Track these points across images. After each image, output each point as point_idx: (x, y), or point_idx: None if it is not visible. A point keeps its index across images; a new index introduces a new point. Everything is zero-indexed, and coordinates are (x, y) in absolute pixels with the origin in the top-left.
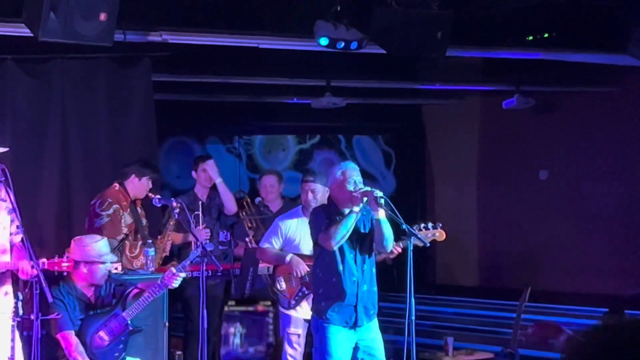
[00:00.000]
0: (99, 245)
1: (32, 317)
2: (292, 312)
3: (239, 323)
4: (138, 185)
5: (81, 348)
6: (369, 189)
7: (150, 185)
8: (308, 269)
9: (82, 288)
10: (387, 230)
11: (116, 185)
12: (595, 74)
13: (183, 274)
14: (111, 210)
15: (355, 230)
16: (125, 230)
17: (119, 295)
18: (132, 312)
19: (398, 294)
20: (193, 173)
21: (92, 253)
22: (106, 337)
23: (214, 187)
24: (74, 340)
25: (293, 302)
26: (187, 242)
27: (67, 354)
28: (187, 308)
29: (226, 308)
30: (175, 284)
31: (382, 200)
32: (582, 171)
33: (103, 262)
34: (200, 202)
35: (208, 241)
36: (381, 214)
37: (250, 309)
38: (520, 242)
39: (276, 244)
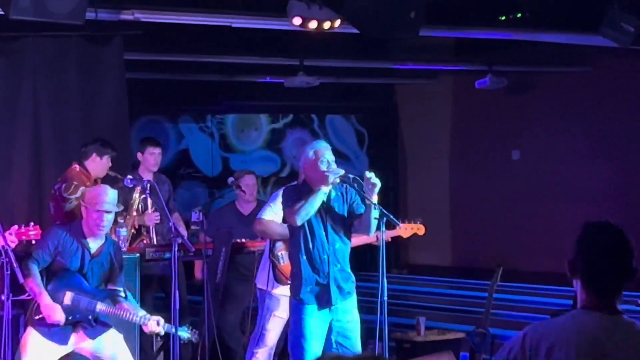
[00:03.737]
0: (102, 191)
1: (3, 297)
2: (287, 290)
3: None
4: (99, 165)
5: (38, 282)
6: (343, 172)
7: (110, 164)
8: None
9: (86, 234)
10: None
11: (76, 167)
12: (567, 55)
13: (162, 333)
14: (79, 193)
15: (329, 208)
16: None
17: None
18: (107, 311)
19: (370, 273)
20: (139, 154)
21: (93, 199)
22: (69, 301)
23: (159, 172)
24: (35, 273)
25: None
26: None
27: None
28: (167, 287)
29: None
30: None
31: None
32: (555, 151)
33: (105, 210)
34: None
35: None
36: (375, 199)
37: None
38: (493, 222)
39: (279, 216)
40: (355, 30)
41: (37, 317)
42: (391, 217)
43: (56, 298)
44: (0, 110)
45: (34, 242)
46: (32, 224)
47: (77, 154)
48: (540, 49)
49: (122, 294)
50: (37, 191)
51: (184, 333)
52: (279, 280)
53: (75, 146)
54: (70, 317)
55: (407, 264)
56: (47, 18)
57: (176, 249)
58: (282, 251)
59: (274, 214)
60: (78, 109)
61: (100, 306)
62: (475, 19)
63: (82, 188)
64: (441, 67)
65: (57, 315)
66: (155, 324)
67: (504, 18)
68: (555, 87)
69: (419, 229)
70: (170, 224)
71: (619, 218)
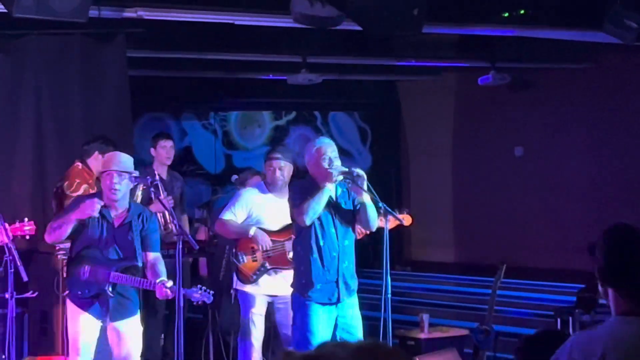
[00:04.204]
0: (114, 155)
1: (7, 295)
2: (254, 289)
3: None
4: (101, 162)
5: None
6: (346, 169)
7: None
8: (271, 244)
9: (107, 205)
10: (372, 212)
11: (79, 165)
12: (570, 51)
13: (171, 297)
14: (81, 191)
15: (336, 205)
16: None
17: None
18: (120, 279)
19: (374, 270)
20: (152, 150)
21: (105, 163)
22: (87, 274)
23: (173, 168)
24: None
25: (254, 277)
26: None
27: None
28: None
29: None
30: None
31: (365, 183)
32: (558, 147)
33: (115, 170)
34: (158, 178)
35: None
36: (365, 197)
37: None
38: (496, 219)
39: (239, 216)
40: (358, 27)
41: (65, 294)
42: (395, 213)
43: (76, 274)
44: (3, 108)
45: (28, 237)
46: (26, 219)
47: (80, 152)
48: (543, 45)
49: (140, 263)
50: (40, 189)
51: (196, 293)
52: (242, 280)
53: (78, 144)
54: (87, 291)
55: (410, 261)
56: (50, 16)
57: (180, 246)
58: (241, 251)
59: (232, 215)
60: (81, 106)
61: (115, 276)
62: (478, 15)
63: (84, 186)
64: (444, 63)
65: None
66: (164, 290)
67: (507, 14)
68: (558, 84)
69: (405, 219)
70: (175, 221)
71: (624, 215)
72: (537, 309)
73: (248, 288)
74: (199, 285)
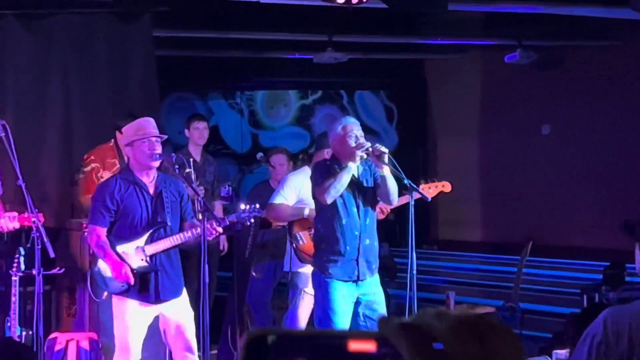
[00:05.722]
0: (143, 120)
1: (34, 272)
2: (307, 268)
3: None
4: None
5: (104, 243)
6: (369, 144)
7: None
8: None
9: (137, 174)
10: (392, 186)
11: (111, 141)
12: (597, 28)
13: (220, 229)
14: (88, 168)
15: (358, 184)
16: None
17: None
18: (155, 247)
19: (401, 249)
20: (186, 131)
21: (138, 131)
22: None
23: (207, 150)
24: (99, 234)
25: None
26: None
27: (90, 245)
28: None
29: None
30: (210, 235)
31: (386, 157)
32: (585, 125)
33: (155, 136)
34: (192, 160)
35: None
36: (386, 170)
37: None
38: (523, 197)
39: (290, 198)
40: (384, 5)
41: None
42: (420, 190)
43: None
44: (30, 88)
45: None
46: (36, 210)
47: (107, 132)
48: (570, 22)
49: (169, 222)
50: (67, 169)
51: (243, 214)
52: (302, 260)
53: (105, 124)
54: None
55: (437, 240)
56: None
57: (206, 224)
58: (299, 232)
59: (283, 198)
60: (107, 86)
61: (149, 250)
62: None
63: (93, 164)
64: (470, 42)
65: (126, 273)
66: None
67: None
68: (585, 61)
69: (445, 186)
70: (200, 198)
71: None
72: (563, 287)
73: (304, 269)
74: (240, 208)
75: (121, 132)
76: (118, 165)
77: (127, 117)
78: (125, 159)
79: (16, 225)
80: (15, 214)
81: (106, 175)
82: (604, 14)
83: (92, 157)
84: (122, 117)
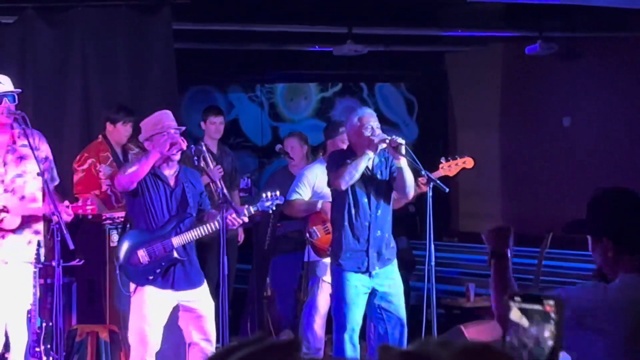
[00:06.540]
0: (161, 114)
1: (53, 264)
2: (328, 260)
3: None
4: (115, 133)
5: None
6: (386, 136)
7: (130, 130)
8: None
9: (158, 167)
10: (409, 178)
11: (99, 137)
12: (619, 19)
13: (246, 218)
14: (86, 165)
15: (372, 176)
16: (107, 182)
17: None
18: (182, 239)
19: (421, 241)
20: (202, 124)
21: (156, 125)
22: (145, 258)
23: (224, 143)
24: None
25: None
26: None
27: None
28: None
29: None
30: (233, 225)
31: (403, 148)
32: (606, 117)
33: (175, 129)
34: (210, 154)
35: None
36: (402, 162)
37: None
38: (543, 189)
39: (305, 193)
40: None
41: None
42: (438, 182)
43: (132, 262)
44: (50, 81)
45: (90, 217)
46: (89, 200)
47: (102, 125)
48: (591, 13)
49: (192, 212)
50: None
51: (266, 202)
52: (318, 254)
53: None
54: (158, 270)
55: (458, 232)
56: None
57: (225, 214)
58: (313, 227)
59: (298, 194)
60: (127, 80)
61: (175, 241)
62: None
63: (90, 160)
64: (491, 33)
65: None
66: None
67: None
68: (606, 53)
69: (466, 162)
70: (219, 189)
71: None
72: (582, 279)
73: (324, 260)
74: (263, 197)
75: (112, 123)
76: (111, 158)
77: (117, 110)
78: (114, 146)
79: (71, 214)
80: (67, 202)
81: (102, 168)
82: (625, 4)
83: (86, 154)
84: (113, 110)
